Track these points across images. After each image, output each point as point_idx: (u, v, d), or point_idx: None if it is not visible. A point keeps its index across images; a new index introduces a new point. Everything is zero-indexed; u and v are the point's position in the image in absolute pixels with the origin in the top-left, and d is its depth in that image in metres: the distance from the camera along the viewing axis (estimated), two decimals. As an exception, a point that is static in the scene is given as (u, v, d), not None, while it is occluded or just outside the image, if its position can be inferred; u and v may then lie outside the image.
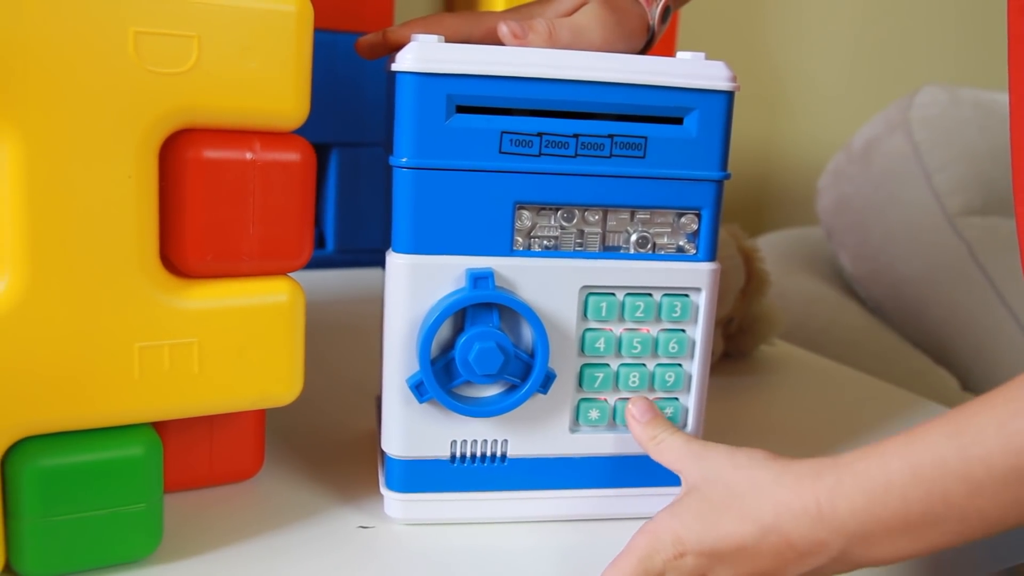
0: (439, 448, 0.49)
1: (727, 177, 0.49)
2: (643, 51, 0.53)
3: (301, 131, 0.46)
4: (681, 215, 0.49)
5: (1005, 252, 1.13)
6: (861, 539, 0.40)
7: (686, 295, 0.50)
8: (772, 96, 1.54)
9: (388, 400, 0.48)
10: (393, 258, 0.47)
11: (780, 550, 0.41)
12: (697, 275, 0.49)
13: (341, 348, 0.77)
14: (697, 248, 0.49)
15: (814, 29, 1.55)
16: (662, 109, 0.47)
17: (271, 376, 0.46)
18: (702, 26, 1.35)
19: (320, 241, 1.04)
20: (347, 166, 1.01)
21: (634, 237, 0.49)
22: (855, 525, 0.40)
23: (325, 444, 0.59)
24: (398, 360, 0.47)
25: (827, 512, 0.40)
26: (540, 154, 0.46)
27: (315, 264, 1.02)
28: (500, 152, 0.46)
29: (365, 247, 1.03)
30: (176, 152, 0.42)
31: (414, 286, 0.47)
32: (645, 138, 0.47)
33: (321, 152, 1.00)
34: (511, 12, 0.53)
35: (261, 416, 0.52)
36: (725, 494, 0.43)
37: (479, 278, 0.46)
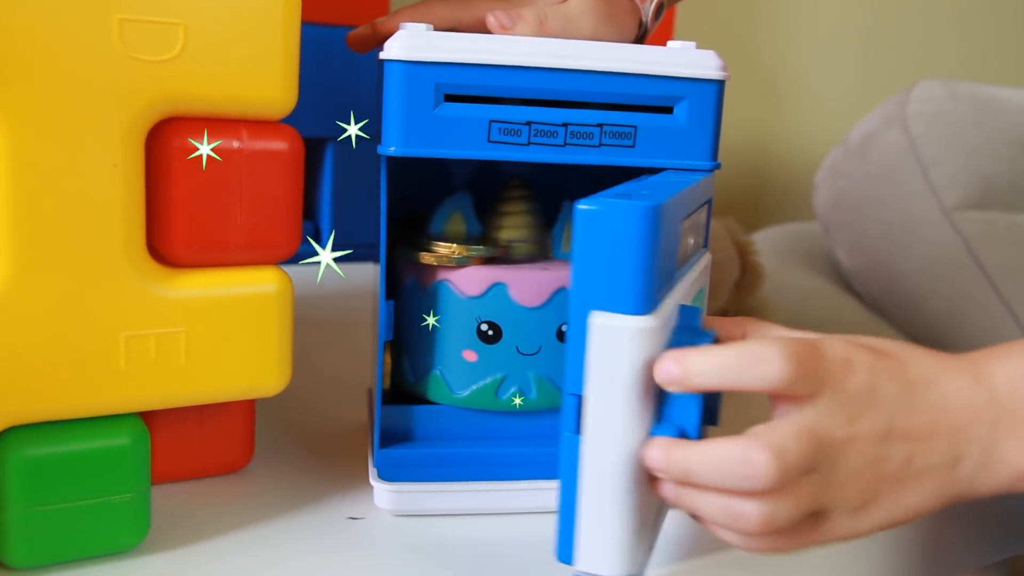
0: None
1: (717, 167, 0.48)
2: (634, 43, 0.53)
3: (297, 126, 0.45)
4: (671, 205, 0.49)
5: (1003, 246, 1.13)
6: (1013, 417, 0.37)
7: (677, 285, 0.49)
8: (768, 91, 1.54)
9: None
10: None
11: (933, 412, 0.38)
12: (688, 265, 0.49)
13: (334, 341, 0.77)
14: (688, 238, 0.49)
15: (811, 23, 1.55)
16: (652, 98, 0.47)
17: (259, 366, 0.46)
18: (697, 20, 1.35)
19: (316, 236, 1.03)
20: (342, 161, 1.01)
21: (624, 227, 0.48)
22: (1011, 396, 0.37)
23: (315, 435, 0.59)
24: None
25: (984, 375, 0.38)
26: (529, 143, 0.46)
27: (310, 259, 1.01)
28: (489, 141, 0.46)
29: (360, 242, 1.03)
30: (163, 140, 0.42)
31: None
32: (635, 127, 0.47)
33: (316, 147, 1.00)
34: (502, 0, 0.52)
35: (251, 407, 0.52)
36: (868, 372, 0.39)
37: None
